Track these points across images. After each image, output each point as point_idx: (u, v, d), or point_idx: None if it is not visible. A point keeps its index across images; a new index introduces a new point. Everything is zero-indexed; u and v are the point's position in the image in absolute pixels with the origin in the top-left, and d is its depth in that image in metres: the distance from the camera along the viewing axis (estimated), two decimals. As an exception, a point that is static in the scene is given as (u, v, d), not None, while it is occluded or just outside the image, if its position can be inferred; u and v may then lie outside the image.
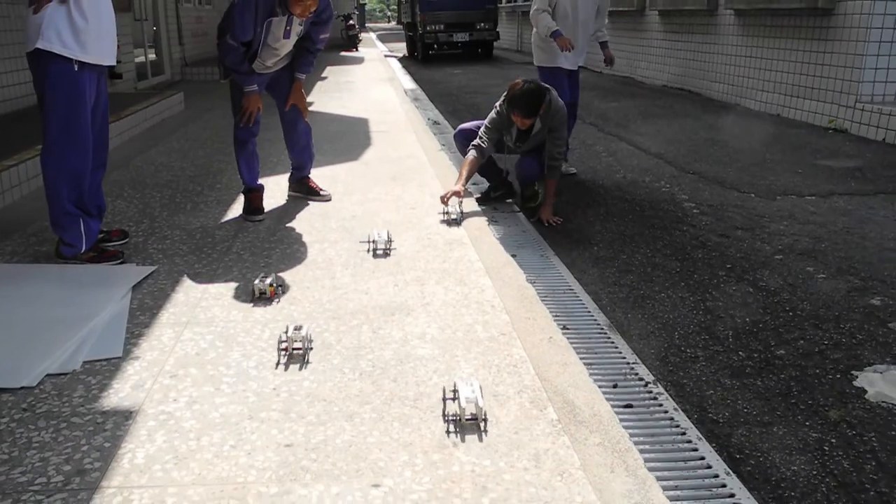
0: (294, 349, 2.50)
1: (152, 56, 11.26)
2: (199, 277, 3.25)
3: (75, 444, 1.99)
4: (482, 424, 2.07)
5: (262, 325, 2.75)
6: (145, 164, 5.60)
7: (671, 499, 1.87)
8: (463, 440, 2.01)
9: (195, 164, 5.64)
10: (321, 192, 4.60)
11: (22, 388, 2.27)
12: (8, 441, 2.01)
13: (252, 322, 2.79)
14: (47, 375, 2.35)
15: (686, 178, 5.65)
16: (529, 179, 4.75)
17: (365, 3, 44.74)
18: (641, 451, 2.07)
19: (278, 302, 2.97)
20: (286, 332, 2.52)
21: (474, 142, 4.47)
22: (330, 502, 1.76)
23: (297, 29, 3.90)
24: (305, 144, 4.52)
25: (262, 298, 2.97)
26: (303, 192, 4.61)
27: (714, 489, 2.01)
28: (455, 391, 2.14)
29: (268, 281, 3.01)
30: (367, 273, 3.33)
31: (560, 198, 4.89)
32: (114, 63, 3.47)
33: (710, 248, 4.04)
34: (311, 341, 2.56)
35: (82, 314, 2.75)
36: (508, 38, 22.01)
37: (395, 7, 46.65)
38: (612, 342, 2.92)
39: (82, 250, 3.41)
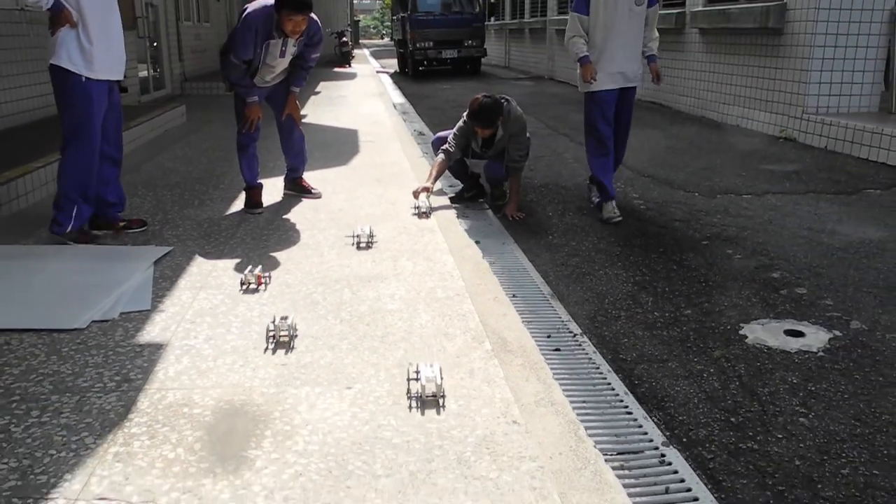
0: (280, 336, 2.81)
1: (154, 72, 11.94)
2: (209, 255, 3.88)
3: (121, 364, 2.62)
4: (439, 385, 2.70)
5: (263, 288, 3.39)
6: (154, 169, 6.23)
7: (567, 395, 2.50)
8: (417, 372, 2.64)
9: (199, 168, 6.28)
10: (312, 191, 5.25)
11: (74, 329, 2.90)
12: (68, 361, 2.64)
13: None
14: (93, 321, 2.98)
15: (641, 180, 6.30)
16: (496, 181, 5.39)
17: (359, 20, 45.63)
18: (560, 381, 2.67)
19: (266, 287, 3.40)
20: (273, 322, 2.82)
21: (443, 147, 5.12)
22: (314, 398, 2.39)
23: (291, 49, 4.56)
24: (299, 150, 5.17)
25: (250, 288, 3.38)
26: (296, 190, 5.26)
27: (614, 404, 2.63)
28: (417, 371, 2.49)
29: (255, 272, 3.44)
30: (350, 253, 3.96)
31: (525, 197, 5.53)
32: (120, 78, 4.18)
33: (648, 237, 4.69)
34: (295, 330, 2.86)
35: (113, 279, 3.39)
36: (497, 55, 22.75)
37: (389, 24, 47.56)
38: (552, 306, 3.54)
39: (67, 230, 4.03)
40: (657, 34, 5.17)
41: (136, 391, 2.43)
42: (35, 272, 3.51)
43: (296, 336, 2.84)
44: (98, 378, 2.52)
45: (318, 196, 5.23)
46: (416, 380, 2.43)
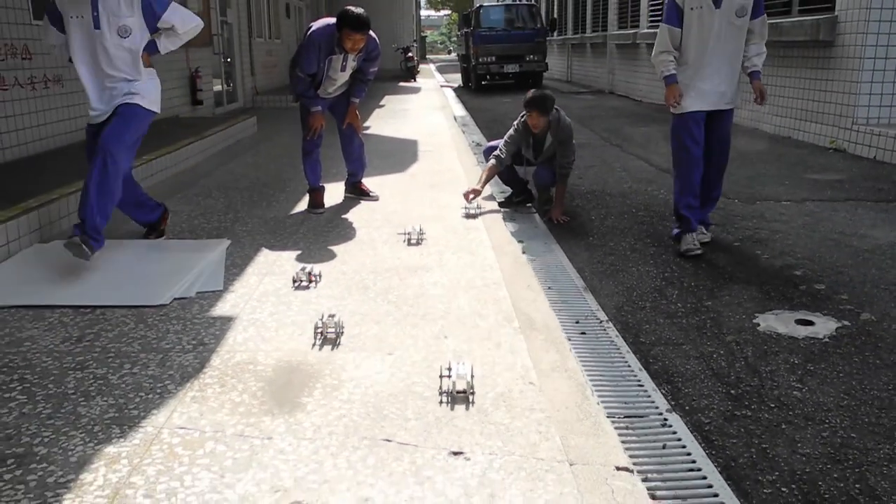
0: (328, 333, 2.98)
1: (227, 86, 12.65)
2: (274, 248, 4.33)
3: (197, 332, 3.06)
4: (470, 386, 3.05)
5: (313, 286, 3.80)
6: (226, 174, 6.77)
7: (584, 367, 2.82)
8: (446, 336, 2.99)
9: (268, 174, 6.79)
10: (370, 194, 5.69)
11: (158, 305, 3.35)
12: (153, 329, 3.09)
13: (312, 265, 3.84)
14: (174, 299, 3.43)
15: (684, 187, 6.54)
16: (544, 186, 5.72)
17: (426, 36, 46.48)
18: (580, 356, 2.99)
19: (316, 285, 3.65)
20: (321, 319, 3.00)
21: (494, 153, 5.48)
22: (360, 361, 2.78)
23: (351, 64, 5.02)
24: (358, 156, 5.62)
25: (301, 285, 3.63)
26: (356, 193, 5.71)
27: (627, 377, 2.94)
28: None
29: (307, 269, 3.70)
30: (400, 248, 4.36)
31: (571, 202, 5.85)
32: (100, 119, 4.09)
33: (683, 238, 4.95)
34: (342, 327, 3.02)
35: (186, 266, 3.84)
36: (559, 70, 23.05)
37: (455, 39, 48.27)
38: (583, 297, 3.86)
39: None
40: (765, 49, 4.52)
41: (210, 352, 2.85)
42: (115, 261, 3.99)
43: (342, 333, 2.99)
44: (178, 342, 2.96)
45: (375, 199, 5.65)
46: (448, 377, 2.53)
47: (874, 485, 2.23)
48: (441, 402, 2.47)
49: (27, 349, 2.90)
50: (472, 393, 2.48)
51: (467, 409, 2.42)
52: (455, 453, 2.11)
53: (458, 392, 2.49)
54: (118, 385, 2.59)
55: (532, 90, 5.36)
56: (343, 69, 5.03)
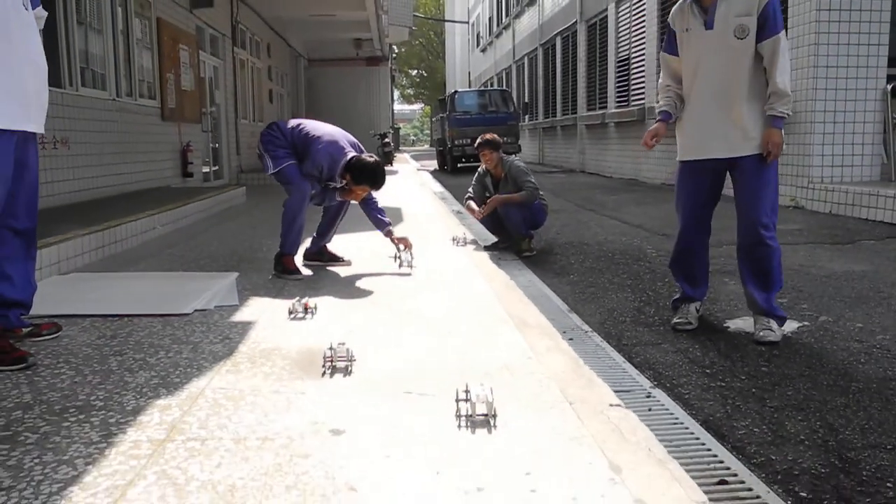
0: (339, 358, 2.82)
1: (214, 167, 13.17)
2: (280, 279, 4.64)
3: (221, 330, 3.35)
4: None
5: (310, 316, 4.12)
6: (223, 231, 7.10)
7: (574, 349, 3.15)
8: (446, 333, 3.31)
9: (262, 231, 7.14)
10: (343, 259, 5.21)
11: (181, 314, 3.64)
12: (180, 329, 3.37)
13: (319, 288, 4.15)
14: (195, 310, 3.72)
15: (655, 237, 6.99)
16: (515, 226, 6.12)
17: (399, 128, 47.83)
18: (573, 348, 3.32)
19: (313, 316, 3.62)
20: (330, 348, 2.82)
21: (466, 195, 6.08)
22: (375, 348, 3.08)
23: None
24: (334, 226, 5.23)
25: (297, 317, 3.59)
26: (323, 259, 5.18)
27: (612, 366, 3.26)
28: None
29: (303, 301, 3.70)
30: (394, 267, 4.71)
31: (550, 252, 6.26)
32: (40, 130, 3.04)
33: (656, 273, 5.34)
34: (353, 356, 2.84)
35: (203, 287, 4.14)
36: (531, 153, 23.92)
37: (429, 131, 49.72)
38: (568, 316, 4.21)
39: None
40: (781, 84, 3.42)
41: (237, 343, 3.14)
42: (135, 285, 4.28)
43: (354, 360, 2.83)
44: (205, 337, 3.25)
45: (347, 263, 5.16)
46: (466, 400, 2.35)
47: (832, 422, 2.56)
48: (450, 371, 2.77)
49: (67, 342, 3.17)
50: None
51: (475, 374, 2.72)
52: (466, 400, 2.40)
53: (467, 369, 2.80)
54: (156, 364, 2.86)
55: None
56: (340, 206, 5.06)
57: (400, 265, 4.89)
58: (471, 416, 2.28)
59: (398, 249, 4.99)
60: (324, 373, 2.74)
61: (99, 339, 3.24)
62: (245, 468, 1.96)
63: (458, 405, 2.33)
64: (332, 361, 2.77)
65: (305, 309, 3.65)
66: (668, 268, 4.11)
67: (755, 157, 3.53)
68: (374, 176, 4.69)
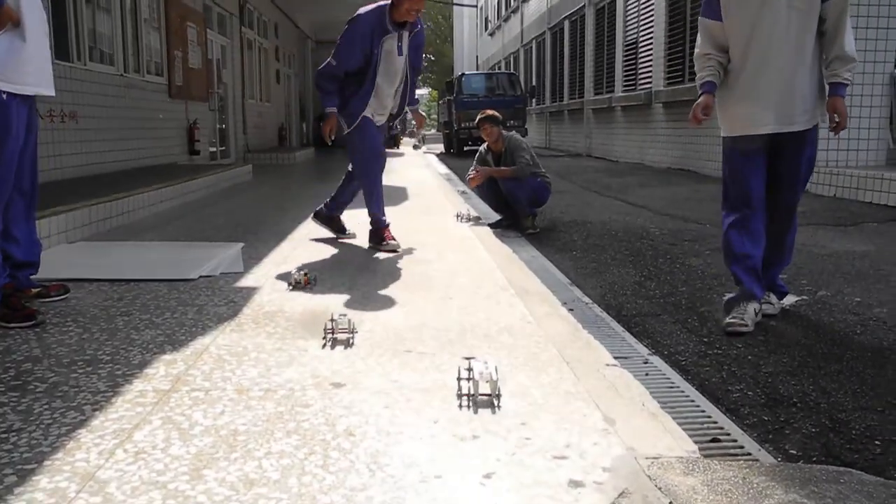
0: (340, 330, 2.73)
1: (221, 147, 13.22)
2: (284, 249, 4.69)
3: (226, 294, 3.40)
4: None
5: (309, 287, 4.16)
6: (231, 204, 7.16)
7: (573, 317, 3.19)
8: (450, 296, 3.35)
9: (268, 206, 7.19)
10: (348, 232, 5.28)
11: (187, 279, 3.69)
12: (186, 293, 3.43)
13: (324, 258, 4.20)
14: (201, 276, 3.77)
15: (658, 217, 7.02)
16: (517, 201, 6.16)
17: (406, 112, 47.56)
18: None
19: (315, 284, 3.62)
20: (332, 320, 2.74)
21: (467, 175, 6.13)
22: (378, 308, 3.12)
23: (405, 47, 4.66)
24: (355, 191, 5.36)
25: (298, 286, 3.57)
26: (331, 227, 5.26)
27: (611, 335, 3.30)
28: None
29: (303, 272, 3.65)
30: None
31: (554, 230, 6.30)
32: (52, 93, 3.13)
33: (658, 250, 5.38)
34: (355, 328, 2.77)
35: (209, 255, 4.19)
36: (538, 137, 23.89)
37: (436, 115, 49.63)
38: (570, 290, 4.25)
39: None
40: (848, 47, 3.17)
41: (241, 306, 3.19)
42: (141, 253, 4.34)
43: (356, 332, 2.75)
44: (210, 300, 3.30)
45: (352, 236, 5.23)
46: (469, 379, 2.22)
47: (825, 386, 2.60)
48: (452, 330, 2.82)
49: (75, 303, 3.22)
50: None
51: (476, 336, 2.77)
52: (467, 358, 2.45)
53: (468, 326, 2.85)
54: (162, 324, 2.92)
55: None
56: (400, 52, 4.62)
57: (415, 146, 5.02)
58: (473, 395, 2.14)
59: (416, 131, 5.54)
60: (324, 345, 2.66)
61: (106, 300, 3.29)
62: (248, 415, 2.01)
63: (459, 384, 2.19)
64: (333, 333, 2.71)
65: (306, 279, 3.59)
66: (726, 269, 3.69)
67: (805, 133, 3.30)
68: None
